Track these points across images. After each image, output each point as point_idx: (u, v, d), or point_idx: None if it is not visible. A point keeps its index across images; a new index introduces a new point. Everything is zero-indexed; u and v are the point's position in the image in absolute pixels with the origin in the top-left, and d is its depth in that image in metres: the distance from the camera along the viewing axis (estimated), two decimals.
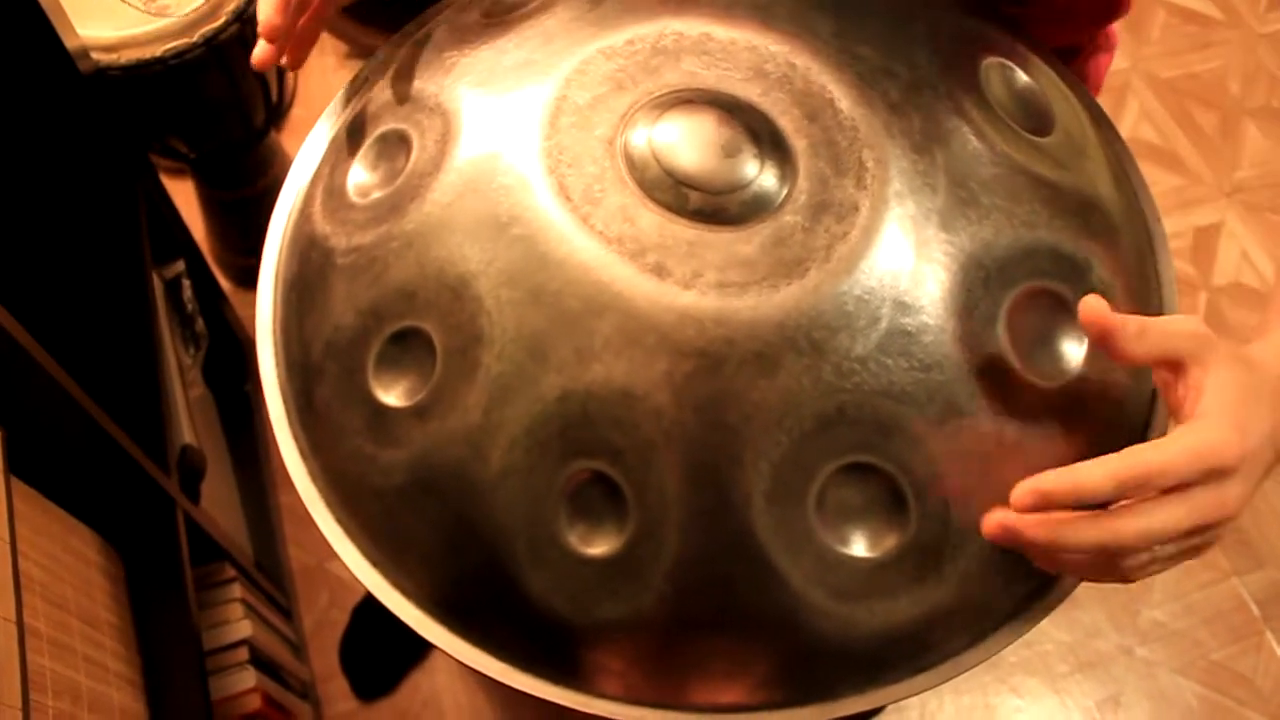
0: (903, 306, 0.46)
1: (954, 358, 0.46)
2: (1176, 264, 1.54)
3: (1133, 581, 0.45)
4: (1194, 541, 0.44)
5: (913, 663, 0.50)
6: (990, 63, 0.55)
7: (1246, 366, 0.45)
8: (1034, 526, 0.43)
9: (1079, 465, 0.43)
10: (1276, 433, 0.45)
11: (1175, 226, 1.59)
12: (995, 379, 0.47)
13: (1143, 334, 0.44)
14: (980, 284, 0.47)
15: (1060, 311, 0.49)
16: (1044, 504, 0.43)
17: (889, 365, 0.45)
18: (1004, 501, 0.47)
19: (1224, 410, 0.44)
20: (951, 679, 0.50)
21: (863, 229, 0.46)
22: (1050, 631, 1.30)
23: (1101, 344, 0.44)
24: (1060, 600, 0.51)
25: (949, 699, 1.26)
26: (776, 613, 0.46)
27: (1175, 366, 0.45)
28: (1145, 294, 0.55)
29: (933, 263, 0.47)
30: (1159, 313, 0.57)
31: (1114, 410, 0.50)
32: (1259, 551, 1.35)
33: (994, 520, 0.43)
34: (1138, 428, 0.53)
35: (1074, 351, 0.49)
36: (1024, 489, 0.43)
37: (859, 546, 0.46)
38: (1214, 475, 0.43)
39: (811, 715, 0.49)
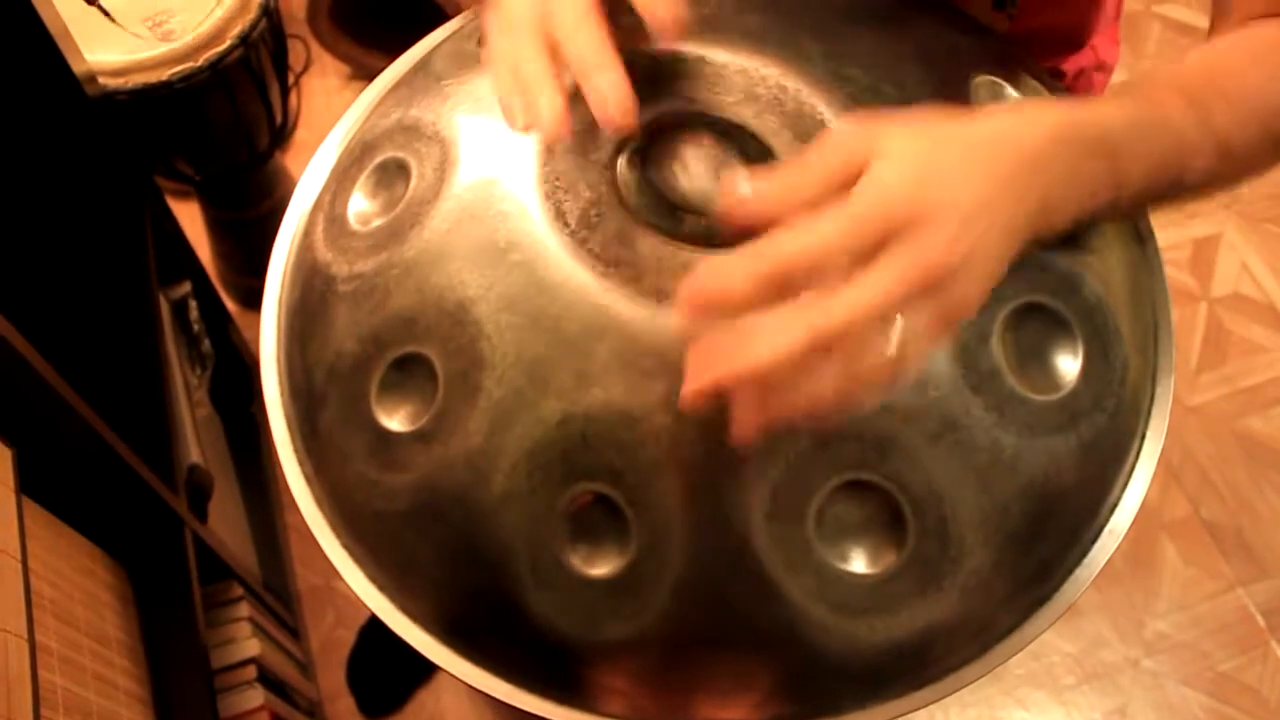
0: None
1: (949, 374, 0.46)
2: (1176, 276, 1.55)
3: (893, 375, 0.37)
4: (916, 297, 0.37)
5: (916, 677, 0.50)
6: (981, 80, 0.56)
7: (959, 122, 0.42)
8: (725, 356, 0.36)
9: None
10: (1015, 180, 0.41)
11: (1174, 238, 1.59)
12: (990, 394, 0.47)
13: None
14: None
15: (1053, 326, 0.50)
16: (702, 309, 0.37)
17: None
18: (998, 515, 0.48)
19: (894, 160, 0.39)
20: (955, 692, 0.51)
21: None
22: (1056, 643, 1.30)
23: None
24: (1064, 609, 0.52)
25: (955, 711, 1.26)
26: (778, 629, 0.47)
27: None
28: (1139, 305, 0.56)
29: None
30: (1155, 328, 0.57)
31: (1109, 423, 0.51)
32: (1264, 562, 1.35)
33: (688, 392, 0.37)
34: (1132, 439, 0.54)
35: (1068, 365, 0.50)
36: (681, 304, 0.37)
37: (859, 563, 0.47)
38: (882, 233, 0.38)
39: None
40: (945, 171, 0.40)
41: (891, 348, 0.38)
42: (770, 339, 0.37)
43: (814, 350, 0.37)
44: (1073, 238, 0.52)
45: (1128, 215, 0.51)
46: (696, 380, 0.38)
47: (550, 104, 0.45)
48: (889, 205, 0.39)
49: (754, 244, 0.39)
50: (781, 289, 0.38)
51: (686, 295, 0.38)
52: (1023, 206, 0.42)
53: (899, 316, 0.38)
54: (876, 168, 0.40)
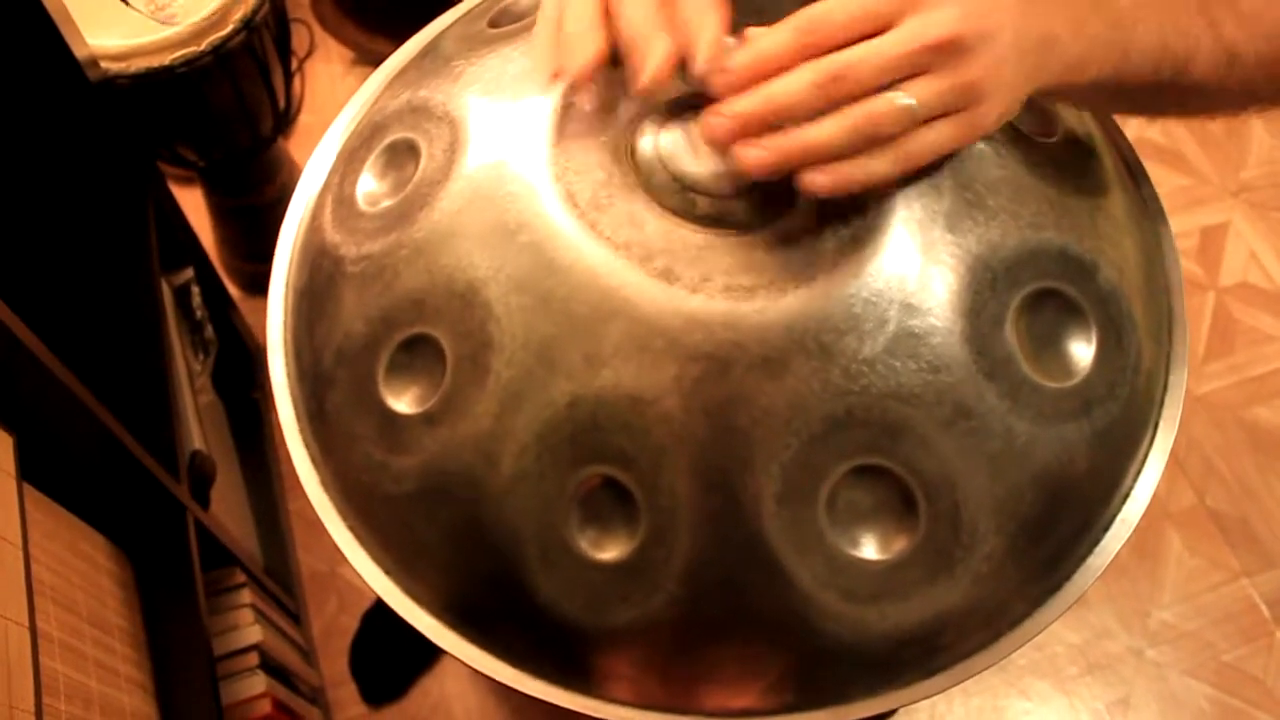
0: (910, 309, 0.46)
1: (962, 359, 0.46)
2: (1184, 264, 1.54)
3: (913, 161, 0.43)
4: (934, 84, 0.42)
5: (925, 665, 0.50)
6: None
7: None
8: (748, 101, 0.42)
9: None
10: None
11: (1182, 226, 1.58)
12: (1003, 380, 0.47)
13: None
14: (988, 286, 0.47)
15: (1068, 312, 0.49)
16: (732, 77, 0.42)
17: (897, 367, 0.45)
18: (1011, 502, 0.47)
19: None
20: (964, 680, 0.50)
21: (869, 232, 0.46)
22: (1059, 633, 1.30)
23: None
24: (1075, 598, 0.51)
25: (958, 701, 1.26)
26: (788, 615, 0.46)
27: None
28: (1153, 293, 0.55)
29: (940, 265, 0.47)
30: (1170, 316, 0.57)
31: (1122, 411, 0.50)
32: (1270, 552, 1.35)
33: (712, 124, 0.43)
34: (1145, 428, 0.54)
35: (1082, 352, 0.49)
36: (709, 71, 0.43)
37: (869, 549, 0.46)
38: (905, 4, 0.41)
39: (823, 719, 0.49)
40: (988, 4, 0.43)
41: (914, 118, 0.42)
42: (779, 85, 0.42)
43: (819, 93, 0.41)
44: (1090, 223, 0.51)
45: (1133, 100, 0.52)
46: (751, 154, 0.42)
47: (583, 54, 0.45)
48: (931, 27, 0.41)
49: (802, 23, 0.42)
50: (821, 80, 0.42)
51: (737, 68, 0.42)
52: (1036, 29, 0.44)
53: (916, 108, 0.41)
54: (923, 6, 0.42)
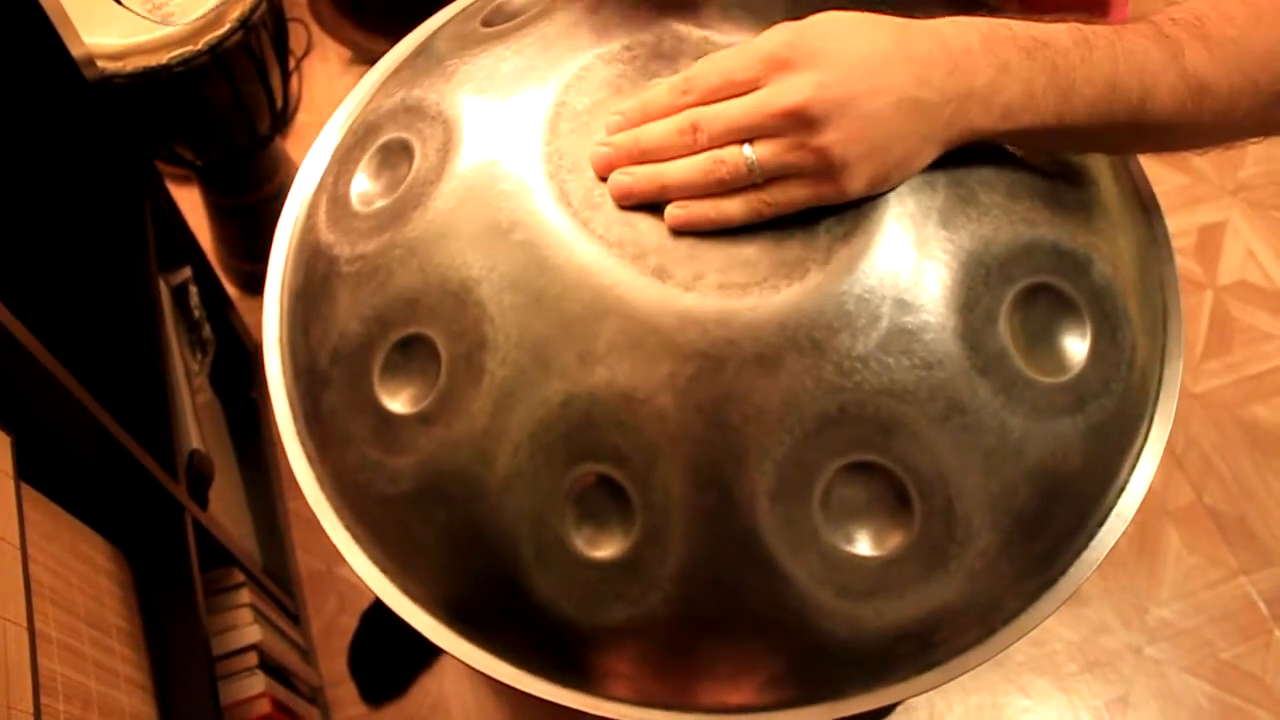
0: (903, 305, 0.46)
1: (955, 355, 0.46)
2: (1182, 262, 1.54)
3: (770, 210, 0.46)
4: (780, 140, 0.45)
5: (920, 660, 0.50)
6: None
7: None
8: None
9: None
10: (907, 48, 0.45)
11: (1180, 225, 1.58)
12: (997, 376, 0.47)
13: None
14: (981, 281, 0.47)
15: (1061, 307, 0.49)
16: (620, 118, 0.48)
17: (890, 364, 0.45)
18: (1005, 498, 0.47)
19: (782, 26, 0.46)
20: (960, 676, 0.51)
21: (862, 228, 0.47)
22: (1058, 631, 1.29)
23: None
24: (1071, 592, 0.51)
25: (957, 698, 1.26)
26: (783, 612, 0.46)
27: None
28: (1147, 288, 0.55)
29: (933, 260, 0.47)
30: (1164, 311, 0.57)
31: (1116, 406, 0.51)
32: (1268, 550, 1.35)
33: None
34: (1140, 423, 0.54)
35: (1075, 347, 0.50)
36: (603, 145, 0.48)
37: (864, 545, 0.46)
38: (765, 66, 0.45)
39: (819, 714, 0.49)
40: (832, 32, 0.45)
41: (753, 170, 0.45)
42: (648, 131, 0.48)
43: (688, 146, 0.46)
44: (1084, 219, 0.51)
45: (1091, 140, 0.50)
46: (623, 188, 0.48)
47: None
48: (762, 50, 0.45)
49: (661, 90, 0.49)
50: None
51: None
52: (933, 86, 0.45)
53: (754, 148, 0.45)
54: (766, 31, 0.46)
